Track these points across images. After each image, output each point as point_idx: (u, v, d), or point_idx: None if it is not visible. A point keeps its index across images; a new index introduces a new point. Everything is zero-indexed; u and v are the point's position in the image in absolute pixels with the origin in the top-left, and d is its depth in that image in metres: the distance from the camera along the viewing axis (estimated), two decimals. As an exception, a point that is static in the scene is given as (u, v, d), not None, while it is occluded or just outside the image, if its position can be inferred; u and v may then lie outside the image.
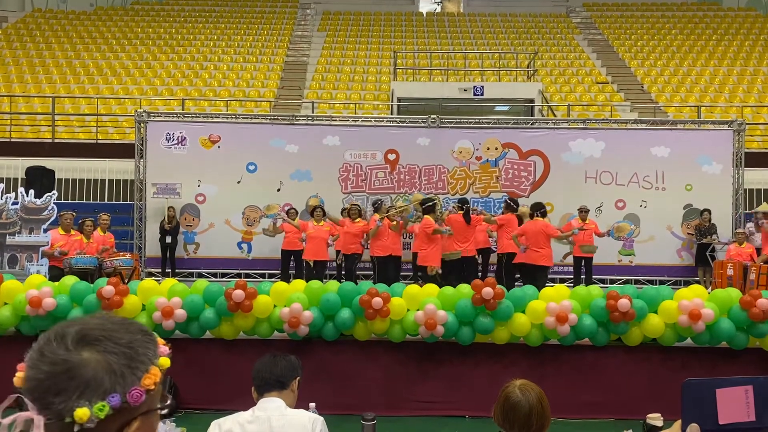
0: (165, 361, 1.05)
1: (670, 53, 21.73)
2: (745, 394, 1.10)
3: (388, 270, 10.25)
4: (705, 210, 11.88)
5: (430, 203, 10.18)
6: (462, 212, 9.94)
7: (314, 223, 10.73)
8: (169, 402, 1.06)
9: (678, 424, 1.04)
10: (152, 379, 1.00)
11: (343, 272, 10.90)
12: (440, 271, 9.69)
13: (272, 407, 2.61)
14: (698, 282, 10.97)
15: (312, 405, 3.76)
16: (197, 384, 6.66)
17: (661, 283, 11.34)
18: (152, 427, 1.03)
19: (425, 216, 9.96)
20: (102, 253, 9.34)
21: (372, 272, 10.55)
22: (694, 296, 6.59)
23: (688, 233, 12.16)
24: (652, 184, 12.32)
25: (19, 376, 0.97)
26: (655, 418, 3.82)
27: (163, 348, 1.07)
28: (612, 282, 11.53)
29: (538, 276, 9.22)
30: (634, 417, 5.11)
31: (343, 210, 11.57)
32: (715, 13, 24.88)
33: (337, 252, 11.05)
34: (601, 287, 7.32)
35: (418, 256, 10.04)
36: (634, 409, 5.99)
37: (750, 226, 11.45)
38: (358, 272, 10.80)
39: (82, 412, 0.91)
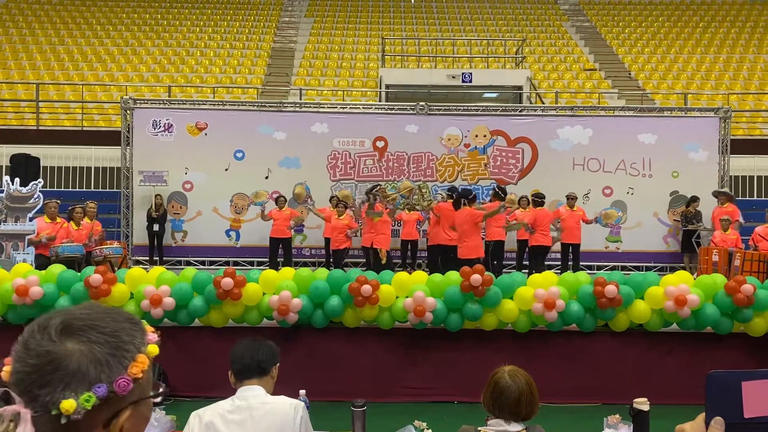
0: (153, 349, 1.04)
1: (658, 40, 21.78)
2: None
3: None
4: (694, 197, 11.93)
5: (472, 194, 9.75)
6: (452, 201, 9.95)
7: (333, 212, 11.04)
8: (162, 390, 1.06)
9: (701, 417, 1.01)
10: (139, 367, 0.99)
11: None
12: None
13: (252, 395, 2.58)
14: (684, 268, 11.08)
15: (302, 392, 3.78)
16: (187, 372, 6.66)
17: (648, 269, 11.42)
18: (144, 416, 1.02)
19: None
20: (92, 242, 9.28)
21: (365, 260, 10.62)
22: (679, 282, 6.66)
23: (675, 220, 12.26)
24: (639, 171, 12.40)
25: (6, 370, 0.96)
26: (642, 403, 3.87)
27: (152, 336, 1.06)
28: (599, 268, 11.64)
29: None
30: (621, 401, 5.15)
31: (331, 198, 11.59)
32: (702, 0, 24.95)
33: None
34: (589, 273, 7.40)
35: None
36: (620, 394, 6.05)
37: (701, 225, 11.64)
38: (348, 260, 10.82)
39: (68, 404, 0.91)
